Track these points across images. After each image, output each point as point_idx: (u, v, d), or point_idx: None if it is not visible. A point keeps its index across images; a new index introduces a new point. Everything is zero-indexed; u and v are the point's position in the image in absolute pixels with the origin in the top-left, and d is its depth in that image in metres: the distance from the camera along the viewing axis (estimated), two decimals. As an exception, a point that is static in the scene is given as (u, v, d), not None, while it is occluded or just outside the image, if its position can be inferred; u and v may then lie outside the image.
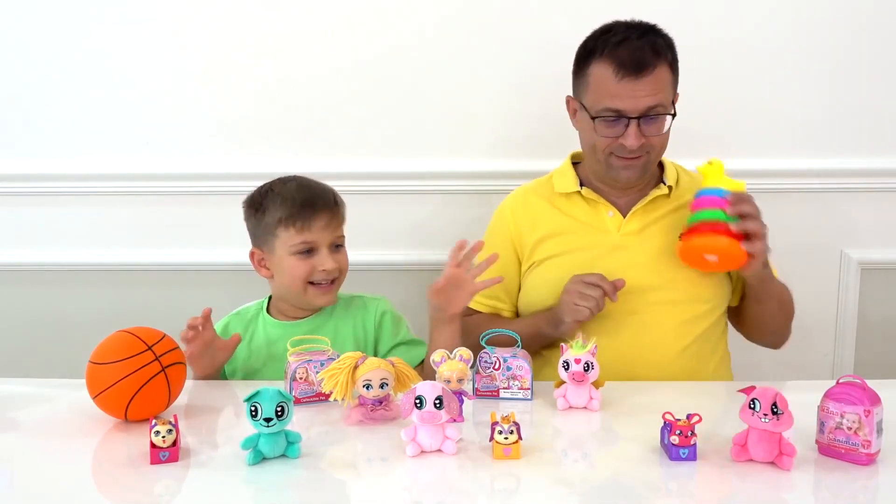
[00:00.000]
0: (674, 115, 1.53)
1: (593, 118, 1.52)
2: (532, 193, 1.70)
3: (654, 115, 1.50)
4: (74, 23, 2.00)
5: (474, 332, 1.61)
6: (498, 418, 1.12)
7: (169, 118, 2.03)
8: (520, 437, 1.11)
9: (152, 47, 2.00)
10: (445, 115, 2.00)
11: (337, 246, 1.56)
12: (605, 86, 1.50)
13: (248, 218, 1.59)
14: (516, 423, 1.11)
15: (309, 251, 1.52)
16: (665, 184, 1.61)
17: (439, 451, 1.13)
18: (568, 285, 1.50)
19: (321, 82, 2.00)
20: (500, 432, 1.11)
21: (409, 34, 1.97)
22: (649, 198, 1.60)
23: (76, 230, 2.09)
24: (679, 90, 1.59)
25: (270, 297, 1.64)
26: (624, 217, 1.61)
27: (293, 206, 1.51)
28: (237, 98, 2.01)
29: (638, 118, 1.49)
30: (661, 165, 1.66)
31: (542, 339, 1.57)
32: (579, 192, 1.63)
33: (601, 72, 1.50)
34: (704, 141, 1.91)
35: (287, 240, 1.52)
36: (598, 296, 1.46)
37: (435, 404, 1.10)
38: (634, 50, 1.48)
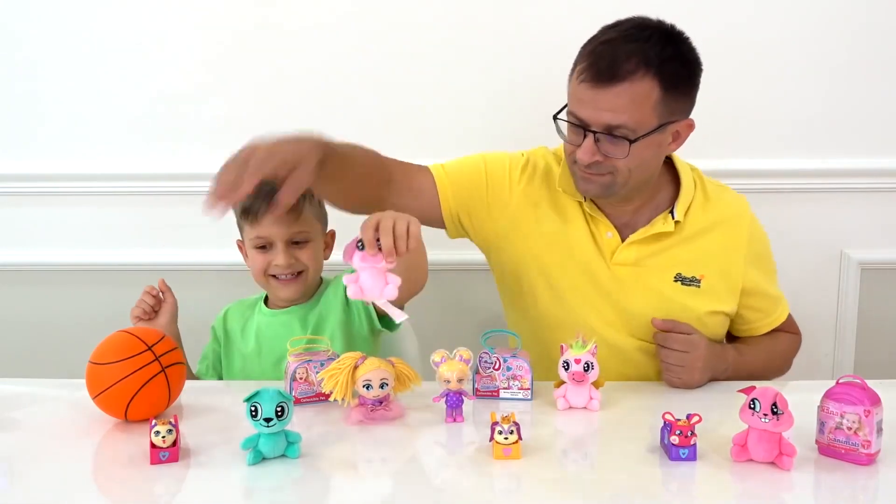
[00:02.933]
0: (632, 142, 1.31)
1: (555, 118, 1.39)
2: (543, 177, 1.53)
3: (618, 135, 1.32)
4: (74, 23, 1.99)
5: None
6: (498, 418, 1.12)
7: (169, 118, 2.03)
8: (520, 437, 1.11)
9: (152, 47, 2.00)
10: (445, 116, 1.99)
11: (297, 242, 1.54)
12: (573, 86, 1.36)
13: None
14: (516, 423, 1.11)
15: (265, 246, 1.53)
16: (673, 217, 1.46)
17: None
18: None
19: (322, 84, 1.99)
20: (500, 432, 1.11)
21: (409, 35, 1.96)
22: (652, 230, 1.46)
23: (76, 230, 2.08)
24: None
25: None
26: (622, 241, 1.47)
27: (248, 200, 1.45)
28: (238, 98, 2.01)
29: (595, 132, 1.33)
30: (677, 185, 1.50)
31: None
32: (581, 203, 1.49)
33: (577, 69, 1.36)
34: (704, 141, 1.90)
35: (246, 234, 1.56)
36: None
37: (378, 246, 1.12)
38: (608, 54, 1.31)
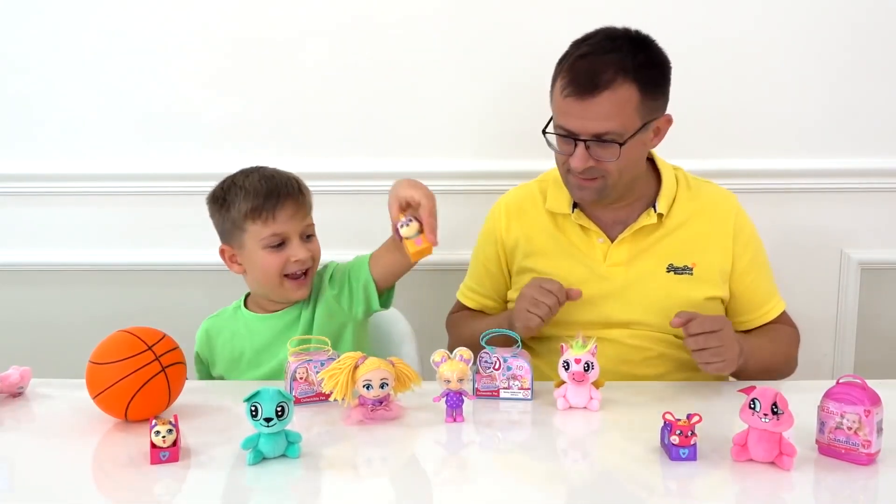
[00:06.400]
0: (622, 144, 1.39)
1: (544, 132, 1.46)
2: (530, 200, 1.63)
3: (607, 140, 1.40)
4: (73, 24, 1.99)
5: (457, 328, 1.60)
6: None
7: (168, 118, 2.03)
8: (421, 229, 1.11)
9: (153, 48, 2.00)
10: (433, 115, 1.99)
11: (308, 236, 1.51)
12: (558, 101, 1.44)
13: (212, 215, 1.53)
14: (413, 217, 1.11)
15: (280, 244, 1.47)
16: (655, 210, 1.52)
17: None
18: (524, 289, 1.43)
19: (314, 83, 1.99)
20: (402, 226, 1.07)
21: (399, 35, 1.96)
22: (637, 226, 1.52)
23: (76, 230, 2.08)
24: (677, 94, 1.50)
25: (248, 294, 1.60)
26: (612, 243, 1.54)
27: (257, 198, 1.46)
28: (236, 99, 2.01)
29: (585, 140, 1.40)
30: (659, 181, 1.56)
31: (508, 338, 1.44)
32: (569, 216, 1.56)
33: (559, 85, 1.43)
34: (704, 141, 1.92)
35: (256, 233, 1.47)
36: (551, 303, 1.39)
37: None
38: (588, 68, 1.39)
